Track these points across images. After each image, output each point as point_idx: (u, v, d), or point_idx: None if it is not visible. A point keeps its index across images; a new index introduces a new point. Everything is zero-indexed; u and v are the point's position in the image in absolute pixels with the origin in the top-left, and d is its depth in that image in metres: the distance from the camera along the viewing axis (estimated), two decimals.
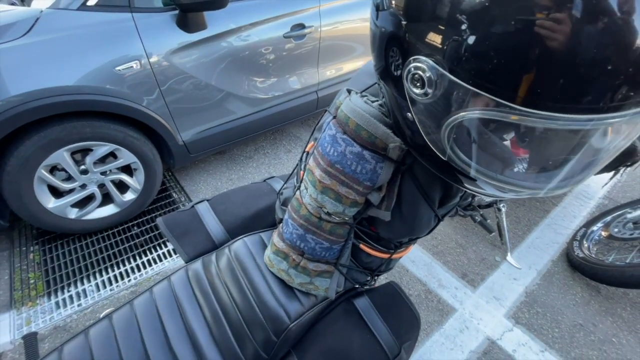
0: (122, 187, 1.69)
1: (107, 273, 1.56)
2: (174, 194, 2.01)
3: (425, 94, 0.36)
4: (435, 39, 0.33)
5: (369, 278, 0.78)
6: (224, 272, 0.77)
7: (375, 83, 0.60)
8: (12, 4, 1.40)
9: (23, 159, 1.32)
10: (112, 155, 1.57)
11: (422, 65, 0.35)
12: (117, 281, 1.53)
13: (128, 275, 1.55)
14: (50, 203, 1.49)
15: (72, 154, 1.47)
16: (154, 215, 1.86)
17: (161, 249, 1.69)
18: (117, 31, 1.37)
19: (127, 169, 1.66)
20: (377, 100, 0.55)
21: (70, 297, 1.45)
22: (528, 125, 0.32)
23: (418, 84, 0.36)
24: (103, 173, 1.58)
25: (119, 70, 1.38)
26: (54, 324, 1.35)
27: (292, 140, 2.52)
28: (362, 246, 0.69)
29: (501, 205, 1.63)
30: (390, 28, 0.39)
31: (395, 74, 0.40)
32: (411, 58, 0.36)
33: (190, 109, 1.68)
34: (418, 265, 1.69)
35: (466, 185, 0.46)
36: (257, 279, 0.74)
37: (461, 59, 0.32)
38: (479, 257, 1.74)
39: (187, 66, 1.55)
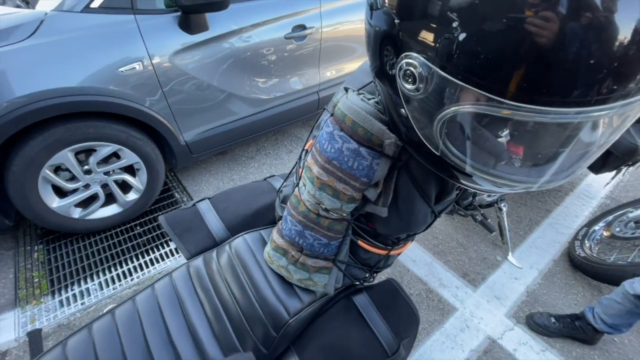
0: (125, 187, 1.71)
1: (110, 272, 1.58)
2: (176, 194, 2.02)
3: (417, 90, 0.37)
4: (426, 36, 0.34)
5: (367, 275, 0.79)
6: (225, 269, 0.78)
7: (372, 81, 0.61)
8: (18, 6, 1.42)
9: (28, 159, 1.34)
10: (116, 155, 1.59)
11: (413, 61, 0.36)
12: (120, 280, 1.54)
13: (131, 274, 1.57)
14: (55, 203, 1.51)
15: (76, 154, 1.48)
16: (156, 215, 1.88)
17: (163, 248, 1.70)
18: (120, 33, 1.39)
19: (130, 169, 1.68)
20: (374, 98, 0.56)
21: (74, 295, 1.47)
22: (517, 119, 0.32)
23: (410, 80, 0.37)
24: (106, 173, 1.60)
25: (122, 71, 1.40)
26: (58, 322, 1.37)
27: (294, 141, 2.53)
28: (360, 242, 0.69)
29: (502, 204, 1.63)
30: (384, 27, 0.40)
31: (390, 72, 0.41)
32: (403, 55, 0.37)
33: (192, 110, 1.69)
34: (419, 264, 1.69)
35: (461, 180, 0.47)
36: (257, 275, 0.75)
37: (451, 56, 0.33)
38: (480, 256, 1.74)
39: (189, 67, 1.57)
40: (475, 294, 1.56)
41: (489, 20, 0.30)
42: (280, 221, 0.73)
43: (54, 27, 1.29)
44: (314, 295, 0.75)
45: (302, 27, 1.89)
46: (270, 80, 1.92)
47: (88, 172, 1.55)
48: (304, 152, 0.72)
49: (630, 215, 1.66)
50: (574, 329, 1.34)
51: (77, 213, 1.60)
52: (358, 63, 2.33)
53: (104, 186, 1.64)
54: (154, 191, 1.77)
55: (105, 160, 1.58)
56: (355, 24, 2.12)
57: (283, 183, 0.86)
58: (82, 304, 1.44)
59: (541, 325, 1.39)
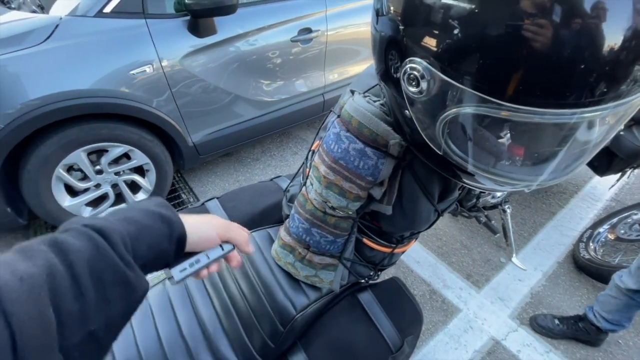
0: (134, 187, 1.75)
1: None
2: (182, 195, 2.06)
3: (420, 92, 0.39)
4: (428, 42, 0.36)
5: (372, 273, 0.81)
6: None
7: (377, 84, 0.63)
8: (34, 11, 1.47)
9: (43, 158, 1.38)
10: (126, 156, 1.62)
11: (417, 66, 0.38)
12: None
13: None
14: (66, 202, 1.55)
15: (88, 154, 1.53)
16: None
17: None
18: (131, 37, 1.43)
19: (140, 170, 1.72)
20: (379, 100, 0.58)
21: None
22: (515, 120, 0.34)
23: (414, 83, 0.39)
24: (117, 173, 1.64)
25: (133, 74, 1.44)
26: None
27: (299, 143, 2.56)
28: (365, 240, 0.71)
29: (506, 206, 1.64)
30: (389, 32, 0.43)
31: (395, 75, 0.43)
32: (407, 59, 0.39)
33: (200, 112, 1.73)
34: (423, 265, 1.70)
35: (463, 179, 0.49)
36: (264, 272, 0.77)
37: (452, 60, 0.35)
38: (484, 258, 1.75)
39: (197, 70, 1.61)
40: (479, 295, 1.57)
41: (487, 27, 0.32)
42: (288, 219, 0.76)
43: (68, 32, 1.33)
44: (320, 292, 0.77)
45: (308, 30, 1.91)
46: (276, 83, 1.95)
47: (99, 172, 1.59)
48: (310, 153, 0.74)
49: (635, 217, 1.66)
50: (578, 330, 1.35)
51: (87, 212, 1.64)
52: (363, 65, 2.35)
53: (114, 186, 1.67)
54: (162, 192, 1.80)
55: (116, 161, 1.62)
56: (360, 27, 2.14)
57: (290, 183, 0.88)
58: None
59: (545, 327, 1.39)
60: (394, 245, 0.73)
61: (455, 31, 0.34)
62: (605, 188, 2.15)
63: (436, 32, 0.36)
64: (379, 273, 0.84)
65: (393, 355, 0.71)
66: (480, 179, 0.45)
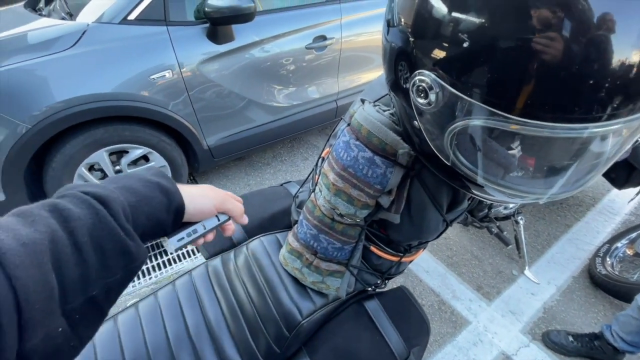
0: None
1: None
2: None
3: (429, 104, 0.39)
4: (437, 54, 0.37)
5: (379, 281, 0.80)
6: (242, 269, 0.81)
7: (387, 94, 0.64)
8: (63, 18, 1.55)
9: (68, 156, 1.45)
10: (144, 158, 1.67)
11: (425, 78, 0.39)
12: (138, 278, 1.61)
13: (149, 273, 1.63)
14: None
15: (109, 155, 1.58)
16: None
17: (180, 249, 1.76)
18: (153, 43, 1.49)
19: None
20: (389, 110, 0.58)
21: None
22: (521, 134, 0.34)
23: (422, 95, 0.40)
24: None
25: (153, 78, 1.49)
26: None
27: (309, 148, 2.58)
28: (372, 248, 0.71)
29: (519, 217, 1.61)
30: (399, 43, 0.43)
31: (404, 85, 0.44)
32: (416, 72, 0.40)
33: (216, 116, 1.77)
34: (432, 275, 1.68)
35: (472, 190, 0.49)
36: (272, 277, 0.77)
37: (460, 73, 0.35)
38: (495, 269, 1.71)
39: (214, 75, 1.65)
40: (489, 308, 1.54)
41: (496, 41, 0.32)
42: (296, 225, 0.76)
43: (95, 38, 1.40)
44: (327, 299, 0.77)
45: (323, 38, 1.95)
46: (290, 89, 1.98)
47: (118, 172, 1.64)
48: (320, 160, 0.75)
49: None
50: (593, 349, 1.30)
51: None
52: (375, 72, 2.37)
53: None
54: None
55: (134, 162, 1.67)
56: (373, 35, 2.17)
57: (299, 189, 0.89)
58: None
59: (558, 343, 1.35)
60: (402, 254, 0.72)
61: (465, 44, 0.34)
62: (624, 201, 2.08)
63: (445, 45, 0.36)
64: (386, 281, 0.84)
65: None
66: (489, 190, 0.45)
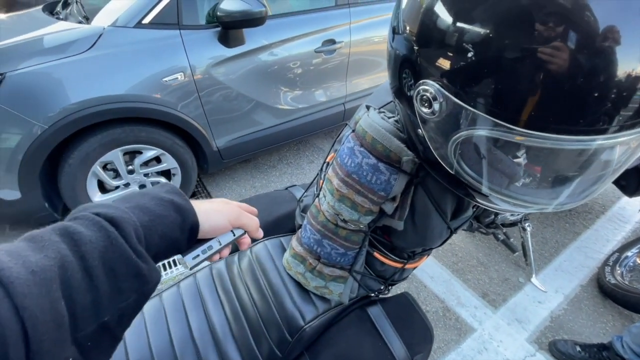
0: None
1: None
2: (200, 199, 2.11)
3: (433, 113, 0.39)
4: (442, 64, 0.37)
5: (382, 287, 0.80)
6: (245, 273, 0.82)
7: (392, 101, 0.64)
8: (80, 22, 1.59)
9: (84, 154, 1.49)
10: (156, 159, 1.71)
11: (429, 88, 0.39)
12: None
13: None
14: (97, 197, 1.64)
15: (123, 155, 1.63)
16: None
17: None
18: (166, 46, 1.52)
19: (166, 173, 1.80)
20: (393, 117, 0.58)
21: None
22: (525, 145, 0.34)
23: (426, 104, 0.40)
24: (145, 175, 1.74)
25: (166, 80, 1.53)
26: None
27: (315, 151, 2.58)
28: (376, 254, 0.71)
29: (526, 224, 1.58)
30: (404, 51, 0.44)
31: (408, 93, 0.44)
32: (420, 81, 0.40)
33: (226, 118, 1.80)
34: (437, 281, 1.66)
35: (477, 198, 0.49)
36: (275, 281, 0.78)
37: (464, 84, 0.35)
38: (502, 277, 1.69)
39: (225, 78, 1.68)
40: (495, 316, 1.52)
41: (501, 52, 0.32)
42: (300, 229, 0.77)
43: (110, 41, 1.44)
44: (329, 304, 0.77)
45: (332, 42, 1.96)
46: (299, 92, 2.00)
47: (131, 172, 1.70)
48: (325, 165, 0.76)
49: None
50: None
51: (97, 198, 1.72)
52: (383, 76, 2.37)
53: (141, 187, 1.76)
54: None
55: (146, 163, 1.71)
56: (382, 39, 2.19)
57: (304, 193, 0.89)
58: None
59: (565, 353, 1.33)
60: (406, 261, 0.72)
61: (469, 54, 0.34)
62: (635, 209, 2.04)
63: (450, 55, 0.36)
64: (390, 287, 0.83)
65: None
66: (493, 199, 0.44)
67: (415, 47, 0.41)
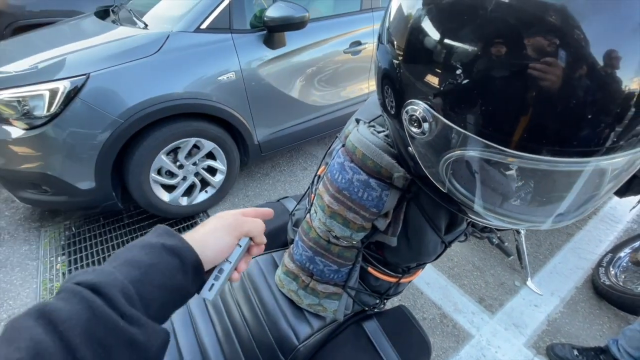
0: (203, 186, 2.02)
1: None
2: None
3: (423, 133, 0.38)
4: (430, 84, 0.36)
5: (377, 301, 0.78)
6: (237, 290, 0.79)
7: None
8: (138, 27, 1.74)
9: (152, 146, 1.64)
10: (207, 155, 1.89)
11: (418, 108, 0.37)
12: None
13: None
14: (160, 192, 1.80)
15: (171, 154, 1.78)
16: (173, 229, 1.93)
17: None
18: (221, 48, 1.72)
19: (212, 171, 1.99)
20: (384, 131, 0.57)
21: None
22: (518, 166, 0.33)
23: (415, 124, 0.39)
24: (196, 174, 1.93)
25: (221, 79, 1.72)
26: None
27: (308, 158, 2.57)
28: (370, 269, 0.70)
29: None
30: (392, 70, 0.42)
31: (391, 111, 0.43)
32: (409, 100, 0.39)
33: (266, 113, 1.98)
34: (433, 287, 1.65)
35: (469, 214, 0.47)
36: (267, 299, 0.76)
37: (454, 104, 0.34)
38: (498, 281, 1.69)
39: (267, 76, 1.87)
40: (492, 321, 1.51)
41: (490, 72, 0.31)
42: (292, 245, 0.75)
43: (175, 44, 1.62)
44: (324, 321, 0.75)
45: (358, 43, 2.15)
46: (329, 89, 2.21)
47: (180, 167, 1.84)
48: (316, 177, 0.74)
49: None
50: None
51: (163, 193, 1.84)
52: None
53: (196, 174, 1.93)
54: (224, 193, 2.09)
55: (189, 154, 1.87)
56: None
57: (296, 206, 0.87)
58: None
59: (562, 358, 1.32)
60: (400, 275, 0.70)
61: (458, 74, 0.33)
62: (626, 209, 2.06)
63: (438, 74, 0.35)
64: (385, 301, 0.82)
65: None
66: (486, 216, 0.43)
67: (403, 66, 0.40)
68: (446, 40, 0.33)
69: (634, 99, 0.29)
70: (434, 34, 0.34)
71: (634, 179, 1.57)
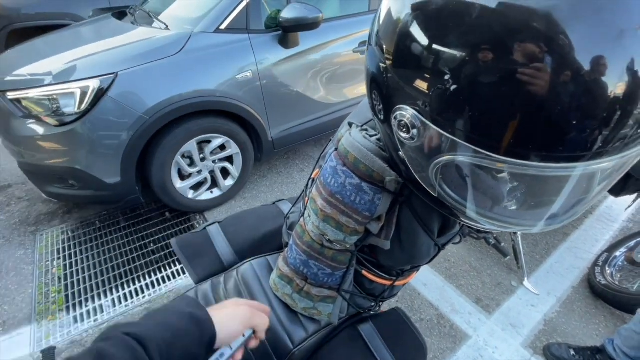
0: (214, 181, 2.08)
1: (124, 289, 1.61)
2: (189, 212, 2.07)
3: (412, 138, 0.38)
4: (418, 90, 0.36)
5: (373, 304, 0.78)
6: (231, 294, 0.79)
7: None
8: (157, 28, 1.82)
9: (174, 141, 1.71)
10: (220, 147, 1.96)
11: (406, 113, 0.37)
12: (132, 297, 1.58)
13: (143, 292, 1.60)
14: (178, 183, 1.87)
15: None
16: (169, 232, 1.93)
17: (175, 266, 1.73)
18: (239, 48, 1.79)
19: (224, 172, 2.06)
20: (376, 135, 0.57)
21: (88, 312, 1.51)
22: (510, 172, 0.33)
23: (404, 130, 0.39)
24: (211, 171, 1.99)
25: (238, 78, 1.79)
26: (71, 339, 1.40)
27: (305, 160, 2.57)
28: (364, 272, 0.70)
29: None
30: (379, 72, 0.42)
31: (380, 116, 0.43)
32: (397, 106, 0.39)
33: (280, 111, 2.04)
34: (430, 288, 1.65)
35: (461, 218, 0.47)
36: (262, 303, 0.75)
37: (441, 110, 0.34)
38: (494, 281, 1.69)
39: (282, 75, 1.94)
40: (489, 321, 1.51)
41: (477, 77, 0.31)
42: (287, 249, 0.75)
43: (196, 44, 1.69)
44: (319, 324, 0.75)
45: (367, 43, 2.17)
46: (339, 87, 2.27)
47: (203, 159, 1.92)
48: (310, 181, 0.74)
49: None
50: None
51: (180, 185, 1.88)
52: None
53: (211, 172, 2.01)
54: (242, 183, 2.15)
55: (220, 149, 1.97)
56: None
57: (291, 209, 0.87)
58: (95, 320, 1.47)
59: (559, 357, 1.32)
60: (395, 278, 0.70)
61: (446, 80, 0.33)
62: (621, 208, 2.07)
63: (426, 80, 0.35)
64: (381, 304, 0.82)
65: None
66: (477, 220, 0.43)
67: (393, 71, 0.40)
68: (434, 46, 0.33)
69: (619, 104, 0.29)
70: (421, 39, 0.35)
71: (629, 179, 1.58)
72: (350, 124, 0.62)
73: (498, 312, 1.55)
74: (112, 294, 1.59)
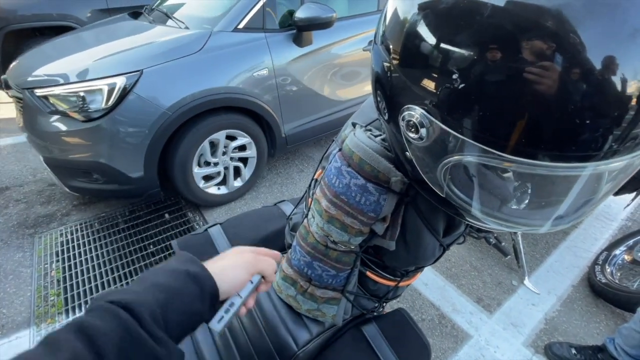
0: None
1: None
2: (189, 213, 2.06)
3: (421, 138, 0.38)
4: (427, 89, 0.35)
5: (376, 305, 0.78)
6: None
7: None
8: (174, 27, 1.88)
9: (196, 136, 1.79)
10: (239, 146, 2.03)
11: (415, 113, 0.37)
12: None
13: None
14: (196, 169, 1.91)
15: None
16: (169, 234, 1.92)
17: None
18: (256, 46, 1.86)
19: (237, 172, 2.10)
20: (381, 135, 0.57)
21: None
22: (516, 171, 0.33)
23: (413, 130, 0.38)
24: (225, 167, 2.04)
25: (255, 75, 1.85)
26: None
27: (305, 160, 2.56)
28: (368, 273, 0.69)
29: None
30: (388, 74, 0.42)
31: (384, 115, 0.42)
32: (406, 106, 0.38)
33: (293, 107, 2.10)
34: (431, 288, 1.65)
35: (467, 218, 0.47)
36: (265, 305, 0.75)
37: (451, 109, 0.34)
38: (495, 280, 1.69)
39: (295, 72, 2.01)
40: (490, 321, 1.51)
41: (486, 76, 0.31)
42: (290, 250, 0.74)
43: (216, 43, 1.76)
44: (323, 326, 0.74)
45: (372, 42, 2.26)
46: (349, 84, 2.34)
47: (224, 153, 1.98)
48: (313, 182, 0.73)
49: None
50: None
51: (199, 178, 1.94)
52: None
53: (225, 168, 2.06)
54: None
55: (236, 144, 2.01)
56: None
57: (293, 210, 0.87)
58: None
59: (561, 356, 1.33)
60: (399, 279, 0.70)
61: (455, 80, 0.33)
62: (620, 207, 2.08)
63: (435, 80, 0.35)
64: (384, 305, 0.81)
65: None
66: (484, 220, 0.43)
67: (400, 71, 0.40)
68: (442, 46, 0.33)
69: (631, 103, 0.29)
70: (430, 39, 0.34)
71: None
72: (354, 124, 0.62)
73: (499, 312, 1.55)
74: None
